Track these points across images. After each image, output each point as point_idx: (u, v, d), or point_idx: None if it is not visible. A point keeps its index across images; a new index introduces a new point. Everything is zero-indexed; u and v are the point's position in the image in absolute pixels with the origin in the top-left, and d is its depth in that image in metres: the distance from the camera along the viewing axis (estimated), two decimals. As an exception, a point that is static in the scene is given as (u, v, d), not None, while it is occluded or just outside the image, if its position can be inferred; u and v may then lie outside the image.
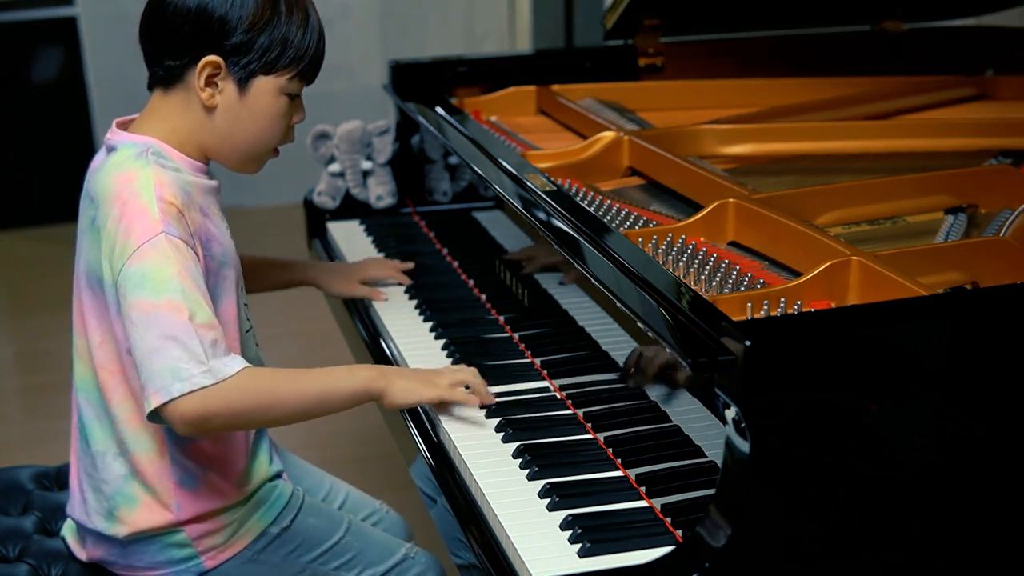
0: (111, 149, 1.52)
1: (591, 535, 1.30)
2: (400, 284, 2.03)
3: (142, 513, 1.52)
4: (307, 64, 1.54)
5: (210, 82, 1.50)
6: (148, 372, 1.38)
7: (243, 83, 1.51)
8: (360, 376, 1.51)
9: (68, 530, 1.65)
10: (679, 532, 1.31)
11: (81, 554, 1.61)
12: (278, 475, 1.66)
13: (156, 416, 1.40)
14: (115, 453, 1.52)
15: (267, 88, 1.52)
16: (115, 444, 1.52)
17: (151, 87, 1.55)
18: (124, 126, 1.56)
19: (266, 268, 1.93)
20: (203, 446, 1.53)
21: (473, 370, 1.60)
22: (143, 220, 1.42)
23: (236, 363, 1.42)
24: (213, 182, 1.56)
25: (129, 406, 1.50)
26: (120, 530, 1.53)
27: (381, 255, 2.19)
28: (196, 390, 1.37)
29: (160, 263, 1.40)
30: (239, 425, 1.51)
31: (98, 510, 1.55)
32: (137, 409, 1.49)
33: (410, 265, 2.06)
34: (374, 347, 1.89)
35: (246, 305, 1.64)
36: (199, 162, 1.54)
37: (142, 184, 1.44)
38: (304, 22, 1.52)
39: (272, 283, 1.95)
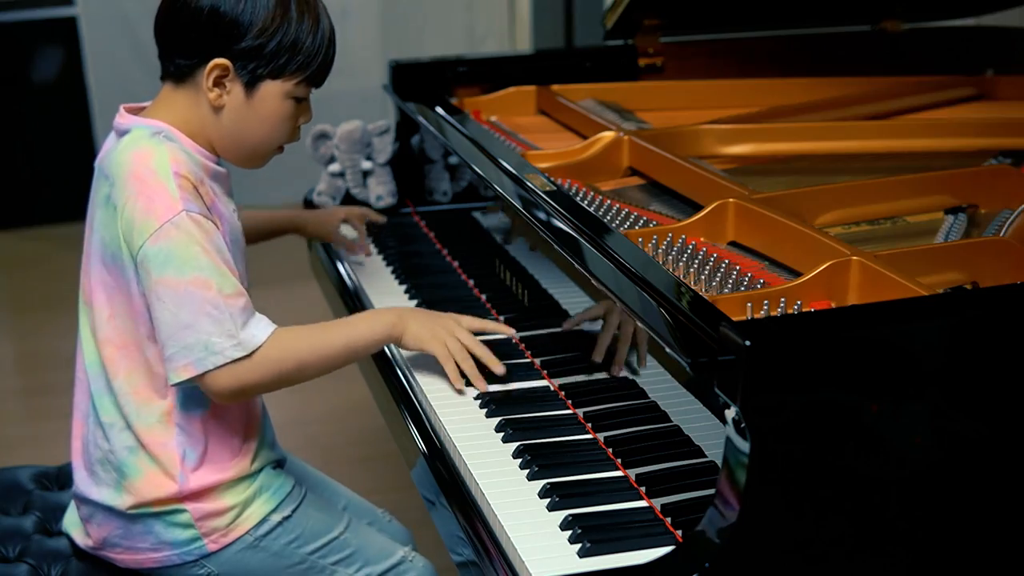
0: (123, 132, 1.54)
1: (591, 535, 1.30)
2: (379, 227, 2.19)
3: (147, 483, 1.55)
4: (315, 70, 1.56)
5: (218, 83, 1.52)
6: (179, 345, 1.45)
7: (250, 86, 1.53)
8: (382, 322, 1.61)
9: (70, 522, 1.66)
10: (679, 532, 1.31)
11: (86, 540, 1.62)
12: (280, 464, 1.68)
13: (180, 383, 1.47)
14: (122, 426, 1.55)
15: (274, 92, 1.54)
16: (121, 417, 1.55)
17: (163, 79, 1.57)
18: (132, 113, 1.58)
19: (251, 221, 1.95)
20: (208, 418, 1.56)
21: (479, 346, 1.65)
22: (162, 199, 1.45)
23: (264, 329, 1.49)
24: (222, 169, 1.59)
25: (136, 379, 1.53)
26: (126, 500, 1.55)
27: (380, 255, 2.19)
28: (229, 362, 1.45)
29: (183, 241, 1.44)
30: (276, 387, 1.55)
31: (106, 481, 1.57)
32: (144, 382, 1.53)
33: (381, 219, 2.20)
34: (374, 347, 1.89)
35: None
36: (206, 151, 1.56)
37: (158, 162, 1.47)
38: (314, 28, 1.54)
39: (257, 235, 1.99)
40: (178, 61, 1.53)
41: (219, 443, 1.57)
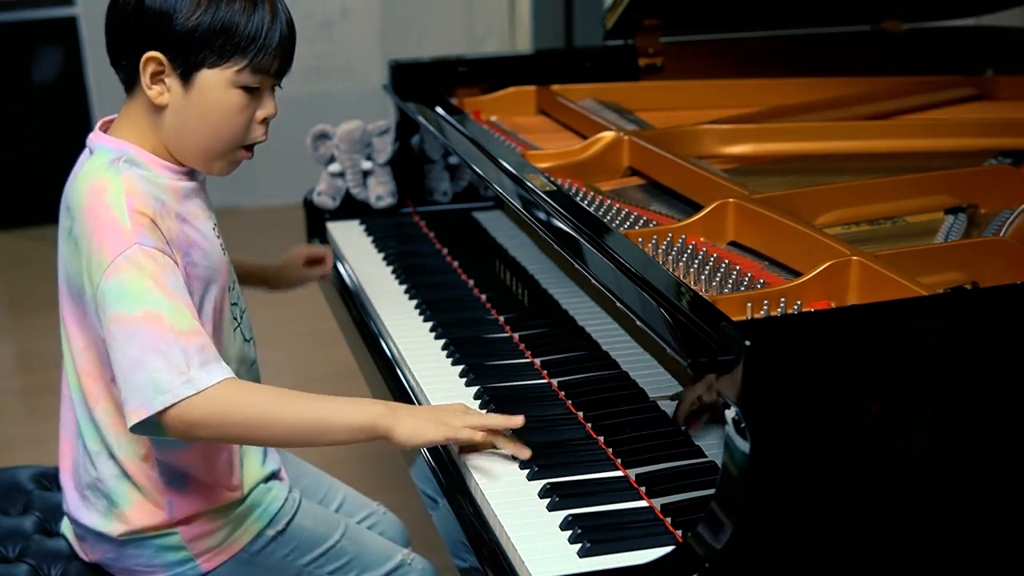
0: (92, 151, 1.49)
1: (591, 535, 1.30)
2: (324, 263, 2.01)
3: (136, 512, 1.52)
4: (256, 54, 1.44)
5: (156, 80, 1.44)
6: (131, 386, 1.36)
7: (186, 78, 1.43)
8: (366, 411, 1.42)
9: (67, 528, 1.65)
10: (679, 532, 1.31)
11: (81, 553, 1.61)
12: (273, 476, 1.66)
13: (138, 428, 1.37)
14: (107, 455, 1.52)
15: (214, 82, 1.44)
16: (105, 446, 1.51)
17: (125, 91, 1.51)
18: (107, 126, 1.53)
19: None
20: (187, 448, 1.51)
21: (495, 419, 1.46)
22: (115, 233, 1.38)
23: (218, 373, 1.37)
24: (192, 183, 1.51)
25: (111, 411, 1.48)
26: (116, 527, 1.53)
27: (380, 255, 2.19)
28: (178, 401, 1.34)
29: (135, 275, 1.37)
30: (228, 438, 1.45)
31: (97, 507, 1.54)
32: (118, 414, 1.46)
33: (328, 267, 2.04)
34: (374, 347, 1.89)
35: (235, 304, 1.60)
36: (176, 164, 1.50)
37: (112, 196, 1.41)
38: (249, 9, 1.43)
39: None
40: (121, 64, 1.47)
41: (204, 472, 1.54)
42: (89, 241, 1.40)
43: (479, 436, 1.44)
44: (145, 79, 1.44)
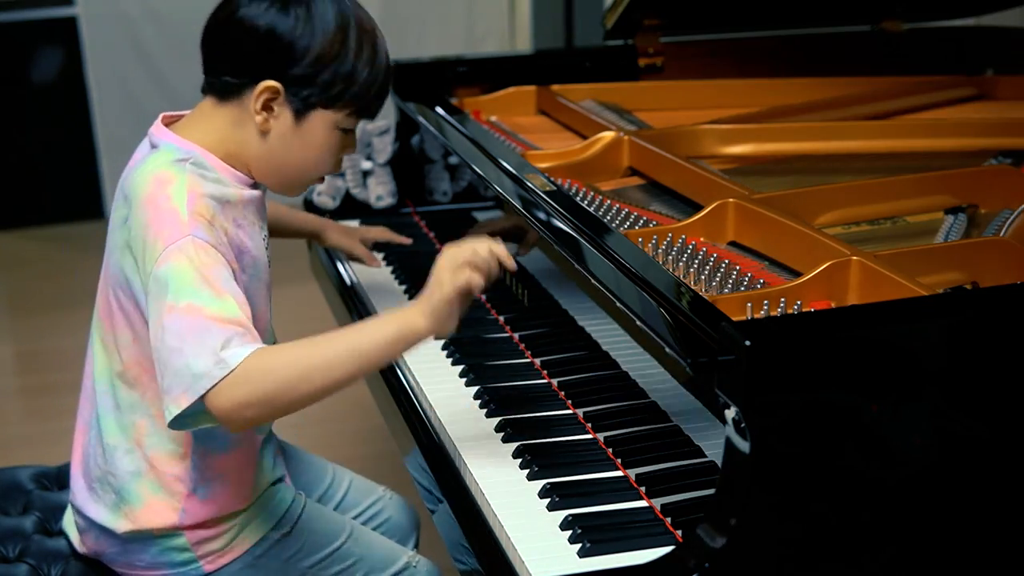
0: (154, 146, 1.48)
1: (591, 535, 1.30)
2: (401, 245, 2.15)
3: (146, 512, 1.52)
4: (367, 102, 1.49)
5: (267, 106, 1.45)
6: (171, 373, 1.34)
7: (300, 114, 1.46)
8: (390, 325, 1.40)
9: (68, 523, 1.65)
10: (679, 532, 1.31)
11: (81, 546, 1.61)
12: (280, 479, 1.65)
13: (178, 421, 1.36)
14: (127, 448, 1.51)
15: (324, 122, 1.47)
16: (128, 440, 1.50)
17: (204, 92, 1.50)
18: (169, 121, 1.52)
19: (278, 213, 1.98)
20: (223, 455, 1.51)
21: (481, 259, 1.44)
22: (171, 222, 1.38)
23: (248, 348, 1.34)
24: (255, 192, 1.52)
25: (157, 403, 1.44)
26: (122, 525, 1.53)
27: (380, 255, 2.19)
28: (216, 383, 1.32)
29: (184, 265, 1.36)
30: (281, 406, 1.36)
31: (105, 501, 1.54)
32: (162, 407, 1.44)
33: (407, 240, 2.17)
34: (374, 347, 1.89)
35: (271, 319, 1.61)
36: (242, 174, 1.50)
37: (175, 189, 1.41)
38: (372, 60, 1.47)
39: (281, 230, 1.99)
40: (226, 79, 1.46)
41: (229, 481, 1.53)
42: (146, 230, 1.40)
43: (477, 279, 1.42)
44: (256, 104, 1.45)
